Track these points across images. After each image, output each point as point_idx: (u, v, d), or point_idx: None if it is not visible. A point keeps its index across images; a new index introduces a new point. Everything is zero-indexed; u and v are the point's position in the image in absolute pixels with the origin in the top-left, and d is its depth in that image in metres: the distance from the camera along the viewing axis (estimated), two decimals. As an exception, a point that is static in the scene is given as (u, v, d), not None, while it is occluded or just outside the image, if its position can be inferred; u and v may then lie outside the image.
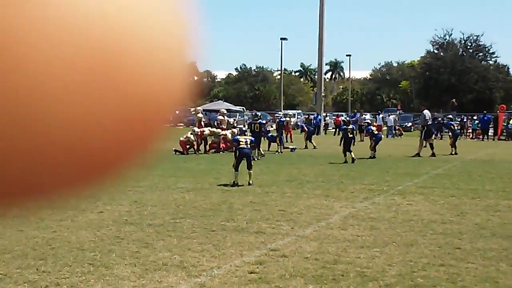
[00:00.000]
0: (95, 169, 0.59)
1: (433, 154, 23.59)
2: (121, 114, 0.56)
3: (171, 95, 0.61)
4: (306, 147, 28.21)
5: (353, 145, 20.65)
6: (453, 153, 25.03)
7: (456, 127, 27.92)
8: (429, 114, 25.34)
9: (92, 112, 0.55)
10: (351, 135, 20.61)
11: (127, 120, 0.57)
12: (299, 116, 53.15)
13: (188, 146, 23.36)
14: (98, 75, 0.54)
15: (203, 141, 23.96)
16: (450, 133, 27.17)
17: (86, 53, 0.53)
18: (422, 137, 24.28)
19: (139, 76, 0.56)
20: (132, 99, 0.57)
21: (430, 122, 24.96)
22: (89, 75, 0.53)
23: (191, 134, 23.56)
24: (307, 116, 40.48)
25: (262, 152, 22.25)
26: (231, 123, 29.29)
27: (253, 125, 22.19)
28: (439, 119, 34.26)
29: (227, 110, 36.12)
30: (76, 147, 0.55)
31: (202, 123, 25.86)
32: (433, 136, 29.54)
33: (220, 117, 27.12)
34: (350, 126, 21.36)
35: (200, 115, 26.56)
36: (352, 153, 20.22)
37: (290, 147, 26.24)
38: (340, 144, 20.86)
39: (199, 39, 0.61)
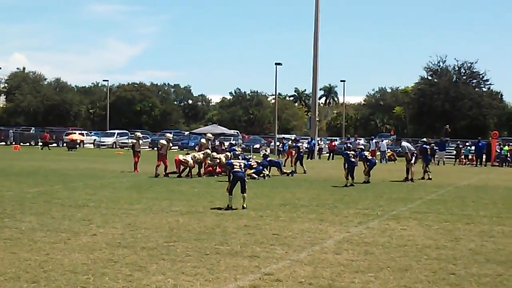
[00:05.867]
0: None
1: (406, 179, 23.91)
2: None
3: None
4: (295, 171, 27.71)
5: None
6: (425, 178, 25.00)
7: (430, 152, 27.73)
8: (408, 144, 26.05)
9: None
10: (354, 160, 21.01)
11: None
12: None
13: (182, 168, 23.23)
14: None
15: (196, 166, 23.77)
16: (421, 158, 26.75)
17: None
18: (412, 163, 24.51)
19: None
20: None
21: (413, 151, 25.24)
22: None
23: (191, 158, 23.41)
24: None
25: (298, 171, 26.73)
26: (225, 147, 28.82)
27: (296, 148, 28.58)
28: (432, 144, 34.13)
29: (221, 134, 36.02)
30: None
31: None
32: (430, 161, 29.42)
33: (203, 141, 26.50)
34: (351, 152, 21.60)
35: (203, 140, 26.37)
36: (353, 180, 20.85)
37: (288, 171, 26.10)
38: (344, 168, 21.05)
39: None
